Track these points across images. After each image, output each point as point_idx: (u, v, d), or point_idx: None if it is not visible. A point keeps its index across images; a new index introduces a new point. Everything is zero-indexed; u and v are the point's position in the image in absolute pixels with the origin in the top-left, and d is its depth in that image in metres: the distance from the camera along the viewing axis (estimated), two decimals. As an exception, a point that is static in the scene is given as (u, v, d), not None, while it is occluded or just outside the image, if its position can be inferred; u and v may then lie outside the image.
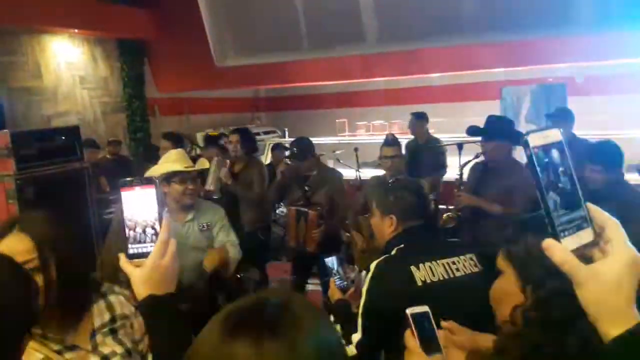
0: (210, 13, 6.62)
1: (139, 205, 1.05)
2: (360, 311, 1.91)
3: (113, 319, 1.51)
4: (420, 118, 6.06)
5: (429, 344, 1.17)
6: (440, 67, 6.99)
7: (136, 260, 1.04)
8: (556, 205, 0.69)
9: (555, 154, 0.70)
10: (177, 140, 5.01)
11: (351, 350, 1.91)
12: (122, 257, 1.06)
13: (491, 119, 3.64)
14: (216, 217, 3.13)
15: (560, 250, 0.69)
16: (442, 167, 5.80)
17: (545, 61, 6.33)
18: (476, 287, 1.77)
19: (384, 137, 4.06)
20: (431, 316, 1.20)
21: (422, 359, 1.16)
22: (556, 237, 0.69)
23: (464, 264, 1.98)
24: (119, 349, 1.48)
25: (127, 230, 1.05)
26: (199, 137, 8.67)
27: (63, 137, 4.33)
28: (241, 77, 7.55)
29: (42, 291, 1.32)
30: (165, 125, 8.47)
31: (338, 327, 2.07)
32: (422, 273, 1.90)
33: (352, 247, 4.21)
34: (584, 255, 0.70)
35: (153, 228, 1.05)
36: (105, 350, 1.46)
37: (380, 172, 4.13)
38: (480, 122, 3.72)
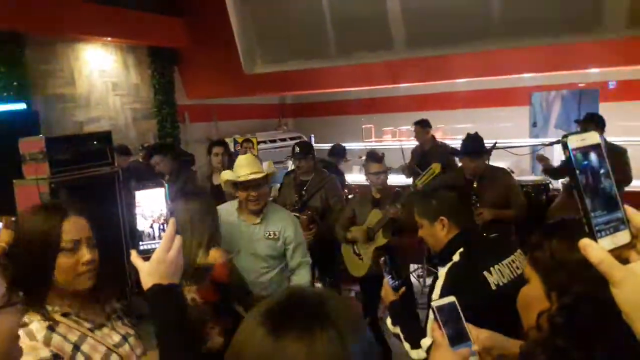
0: (239, 22, 6.70)
1: (149, 205, 1.17)
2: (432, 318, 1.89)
3: (120, 308, 1.69)
4: (423, 125, 6.17)
5: (456, 335, 1.17)
6: (468, 73, 6.94)
7: (145, 255, 1.15)
8: (594, 206, 0.70)
9: (593, 156, 0.71)
10: (167, 150, 5.25)
11: (419, 354, 1.91)
12: (133, 253, 1.17)
13: (472, 138, 3.93)
14: (289, 229, 3.03)
15: (596, 249, 0.69)
16: (450, 169, 5.81)
17: (576, 66, 6.23)
18: None
19: (368, 153, 4.14)
20: (458, 307, 1.20)
21: (447, 351, 1.16)
22: (593, 237, 0.70)
23: (520, 260, 1.99)
24: (131, 331, 1.62)
25: (138, 228, 1.17)
26: (227, 142, 8.78)
27: (95, 142, 4.44)
28: (269, 84, 7.62)
29: (93, 269, 1.50)
30: (194, 131, 8.60)
31: (398, 329, 2.07)
32: (495, 277, 1.91)
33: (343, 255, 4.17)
34: (620, 256, 0.70)
35: (161, 226, 1.17)
36: (122, 331, 1.60)
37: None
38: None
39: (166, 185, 1.16)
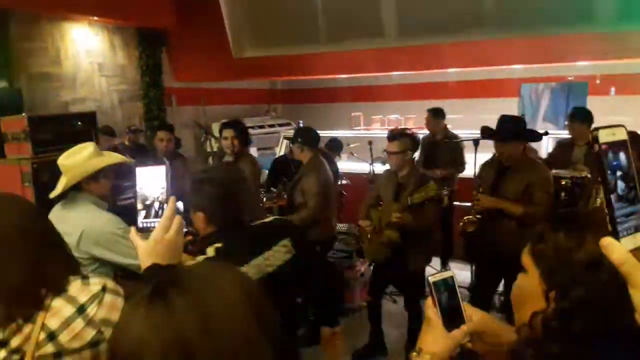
0: (229, 4, 6.64)
1: (150, 183, 1.16)
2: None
3: None
4: (436, 115, 5.97)
5: (450, 315, 1.10)
6: (458, 63, 6.92)
7: (144, 233, 1.16)
8: (618, 204, 0.68)
9: (620, 152, 0.69)
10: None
11: None
12: (133, 230, 1.17)
13: (504, 120, 3.62)
14: None
15: (619, 249, 0.67)
16: (460, 164, 5.78)
17: (565, 59, 6.24)
18: (284, 276, 1.93)
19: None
20: (456, 283, 1.12)
21: (439, 332, 1.10)
22: (616, 236, 0.68)
23: (276, 255, 1.95)
24: None
25: (139, 205, 1.16)
26: (215, 127, 8.70)
27: (80, 123, 4.37)
28: (258, 69, 7.56)
29: None
30: (181, 114, 8.52)
31: None
32: (252, 271, 1.86)
33: (361, 238, 4.23)
34: (636, 257, 0.69)
35: (161, 205, 1.16)
36: None
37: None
38: (497, 120, 3.71)
39: (167, 163, 1.16)
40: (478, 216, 3.72)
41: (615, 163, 0.69)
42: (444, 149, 5.82)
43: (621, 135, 0.70)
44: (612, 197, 0.68)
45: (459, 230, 3.88)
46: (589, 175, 4.17)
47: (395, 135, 3.80)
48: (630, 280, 0.67)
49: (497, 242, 3.58)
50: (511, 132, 3.54)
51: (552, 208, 3.47)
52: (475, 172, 3.95)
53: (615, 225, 0.67)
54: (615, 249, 0.67)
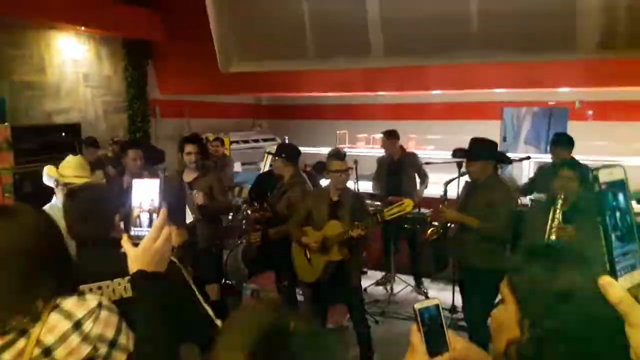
0: (217, 18, 6.64)
1: (144, 194, 1.24)
2: None
3: None
4: (390, 136, 6.18)
5: (434, 342, 1.11)
6: (442, 85, 7.02)
7: (135, 240, 1.25)
8: (616, 243, 0.69)
9: (619, 191, 0.71)
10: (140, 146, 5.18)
11: None
12: (124, 236, 1.26)
13: (474, 141, 3.92)
14: None
15: (617, 288, 0.69)
16: (423, 176, 5.97)
17: (547, 84, 6.37)
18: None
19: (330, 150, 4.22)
20: (441, 311, 1.13)
21: (423, 357, 1.10)
22: (614, 275, 0.69)
23: (115, 289, 1.80)
24: None
25: (132, 214, 1.24)
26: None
27: (63, 134, 4.33)
28: (244, 84, 7.56)
29: None
30: (165, 127, 8.47)
31: None
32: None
33: (294, 262, 4.15)
34: (633, 295, 0.70)
35: (153, 215, 1.24)
36: None
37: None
38: None
39: (162, 176, 1.22)
40: (441, 229, 4.13)
41: (614, 203, 0.70)
42: (405, 166, 6.03)
43: (619, 174, 0.71)
44: (612, 236, 0.69)
45: (425, 239, 4.33)
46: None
47: (342, 154, 4.05)
48: (627, 318, 0.68)
49: (458, 254, 3.99)
50: (479, 152, 3.83)
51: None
52: (445, 191, 4.18)
53: (614, 265, 0.69)
54: (614, 288, 0.69)
